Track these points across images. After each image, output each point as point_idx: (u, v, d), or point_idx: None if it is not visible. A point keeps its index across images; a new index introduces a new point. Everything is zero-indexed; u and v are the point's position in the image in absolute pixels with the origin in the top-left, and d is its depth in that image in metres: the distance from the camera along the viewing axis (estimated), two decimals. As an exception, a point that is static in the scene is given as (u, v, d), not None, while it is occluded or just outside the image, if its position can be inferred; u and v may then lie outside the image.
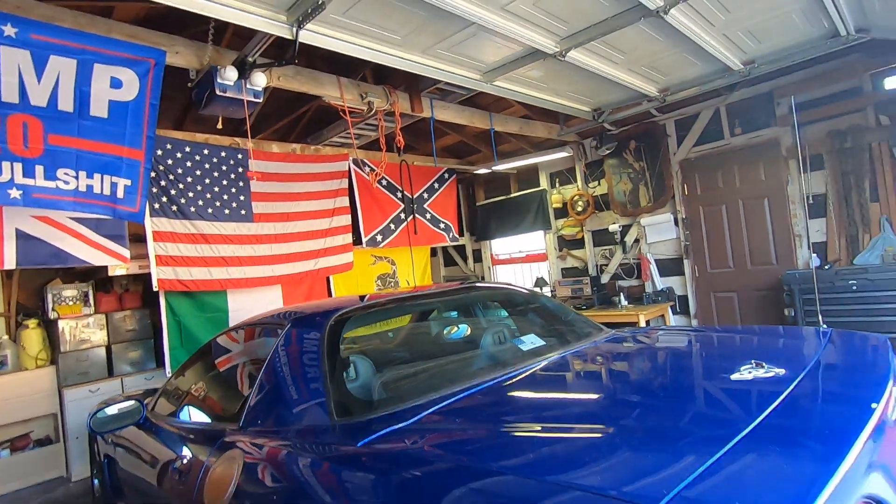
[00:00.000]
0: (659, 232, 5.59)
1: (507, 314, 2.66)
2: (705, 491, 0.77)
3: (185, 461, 1.89)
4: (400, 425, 1.34)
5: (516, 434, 1.23)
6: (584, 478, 0.89)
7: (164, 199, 4.09)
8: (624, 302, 5.46)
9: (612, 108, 4.65)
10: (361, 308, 2.13)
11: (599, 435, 1.12)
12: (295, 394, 1.69)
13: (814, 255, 4.57)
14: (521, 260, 7.23)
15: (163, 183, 4.06)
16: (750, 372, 1.30)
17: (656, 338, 2.14)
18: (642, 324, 4.93)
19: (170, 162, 4.12)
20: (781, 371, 1.28)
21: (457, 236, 6.59)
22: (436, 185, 6.31)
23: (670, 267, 5.58)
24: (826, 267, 4.37)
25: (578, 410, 1.36)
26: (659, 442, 1.02)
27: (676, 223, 5.44)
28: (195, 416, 2.30)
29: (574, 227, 6.34)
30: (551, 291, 6.38)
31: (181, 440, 2.09)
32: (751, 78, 4.19)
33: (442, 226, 6.32)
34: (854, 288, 3.95)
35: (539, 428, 1.23)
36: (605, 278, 6.09)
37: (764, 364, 1.34)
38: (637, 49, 3.32)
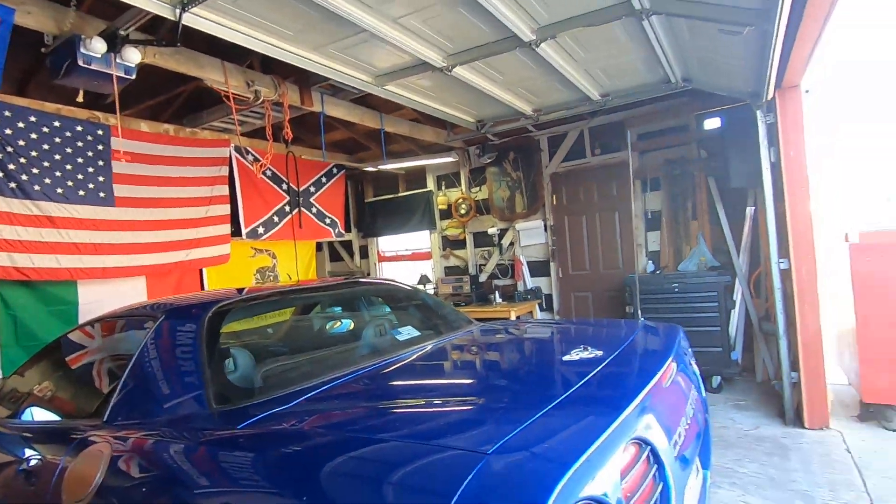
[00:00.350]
0: (531, 236, 6.18)
1: (388, 308, 2.83)
2: (524, 439, 1.01)
3: (31, 463, 1.76)
4: (280, 408, 1.44)
5: (387, 409, 1.40)
6: (432, 438, 1.09)
7: (0, 174, 3.57)
8: (499, 299, 5.96)
9: (493, 121, 5.06)
10: (242, 300, 2.14)
11: (454, 407, 1.33)
12: (169, 386, 1.67)
13: (649, 261, 5.45)
14: (407, 258, 7.46)
15: (-1, 155, 3.54)
16: (578, 354, 1.63)
17: (513, 328, 2.47)
18: (512, 318, 5.44)
19: (8, 132, 3.61)
20: (600, 352, 1.62)
21: (343, 232, 6.60)
22: (323, 180, 6.26)
23: (539, 268, 6.20)
24: (657, 272, 5.23)
25: (440, 388, 1.58)
26: (498, 408, 1.27)
27: (546, 229, 6.07)
28: (43, 416, 2.11)
29: (457, 228, 6.72)
30: (434, 289, 6.69)
31: (25, 442, 1.92)
32: (607, 108, 4.87)
33: (328, 221, 6.29)
34: (676, 289, 4.79)
35: (406, 403, 1.42)
36: (483, 277, 6.56)
37: (589, 348, 1.68)
38: (514, 72, 3.70)
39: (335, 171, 6.44)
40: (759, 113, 3.74)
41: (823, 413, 3.55)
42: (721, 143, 4.90)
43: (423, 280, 6.71)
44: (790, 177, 3.63)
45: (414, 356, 1.90)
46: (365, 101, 4.89)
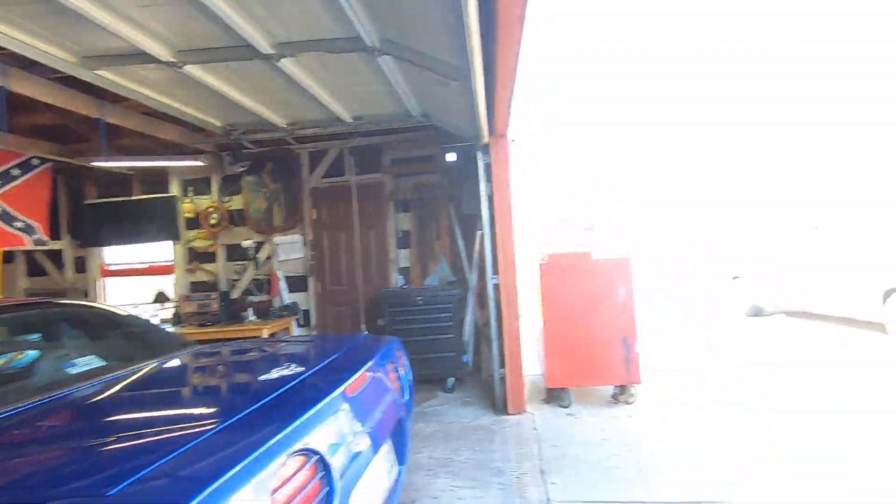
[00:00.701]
0: (289, 251, 6.03)
1: (81, 336, 2.36)
2: (160, 473, 0.96)
3: None
4: None
5: (11, 460, 1.15)
6: (49, 489, 0.95)
7: None
8: (252, 317, 5.60)
9: (245, 129, 4.80)
10: None
11: (97, 448, 1.18)
12: None
13: (401, 277, 5.91)
14: (141, 271, 6.39)
15: None
16: (278, 373, 1.65)
17: (232, 350, 2.35)
18: (265, 336, 5.18)
19: None
20: (301, 369, 1.68)
21: (45, 239, 5.28)
22: (15, 172, 4.92)
23: (298, 283, 6.08)
24: (405, 287, 5.71)
25: (94, 427, 1.38)
26: (151, 441, 1.18)
27: (305, 244, 6.01)
28: None
29: (207, 239, 6.10)
30: (175, 307, 5.90)
31: None
32: (364, 131, 5.16)
33: (20, 225, 4.95)
34: (420, 302, 5.31)
35: (40, 450, 1.19)
36: (236, 293, 6.08)
37: (293, 365, 1.71)
38: (262, 83, 3.59)
39: (36, 162, 5.13)
40: (479, 154, 4.47)
41: (521, 400, 4.38)
42: (459, 174, 5.69)
43: (161, 298, 5.86)
44: (499, 209, 4.43)
45: (87, 391, 1.61)
46: (80, 81, 4.04)
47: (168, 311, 5.87)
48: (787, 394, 4.36)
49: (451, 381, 5.21)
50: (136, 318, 2.57)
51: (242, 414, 1.27)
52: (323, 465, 1.26)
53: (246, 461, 1.01)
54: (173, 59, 2.99)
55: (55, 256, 6.26)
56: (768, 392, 4.45)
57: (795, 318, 7.76)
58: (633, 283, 4.42)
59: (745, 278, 8.60)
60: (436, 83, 3.15)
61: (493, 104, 3.46)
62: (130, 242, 6.16)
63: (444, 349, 5.20)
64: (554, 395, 4.60)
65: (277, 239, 6.00)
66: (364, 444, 1.51)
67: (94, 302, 3.83)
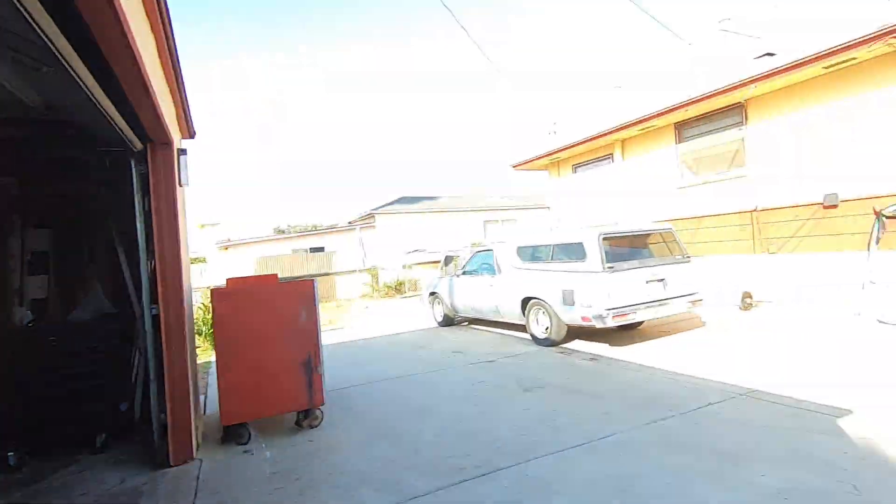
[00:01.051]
0: None
1: None
2: None
3: None
4: None
5: None
6: None
7: None
8: None
9: None
10: None
11: None
12: None
13: (29, 311, 4.53)
14: None
15: None
16: None
17: None
18: None
19: None
20: None
21: None
22: None
23: None
24: (33, 324, 4.41)
25: None
26: None
27: None
28: None
29: None
30: None
31: None
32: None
33: None
34: (55, 343, 4.14)
35: None
36: None
37: None
38: None
39: None
40: (132, 161, 3.79)
41: (188, 448, 3.81)
42: (123, 184, 4.75)
43: None
44: (163, 226, 3.82)
45: None
46: None
47: None
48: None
49: (100, 438, 4.18)
50: None
51: None
52: None
53: None
54: None
55: None
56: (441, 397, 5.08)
57: (476, 326, 9.30)
58: (317, 304, 4.42)
59: (439, 293, 9.85)
60: (24, 65, 2.46)
61: (128, 107, 2.94)
62: None
63: (93, 399, 4.17)
64: (231, 433, 4.18)
65: None
66: None
67: None
